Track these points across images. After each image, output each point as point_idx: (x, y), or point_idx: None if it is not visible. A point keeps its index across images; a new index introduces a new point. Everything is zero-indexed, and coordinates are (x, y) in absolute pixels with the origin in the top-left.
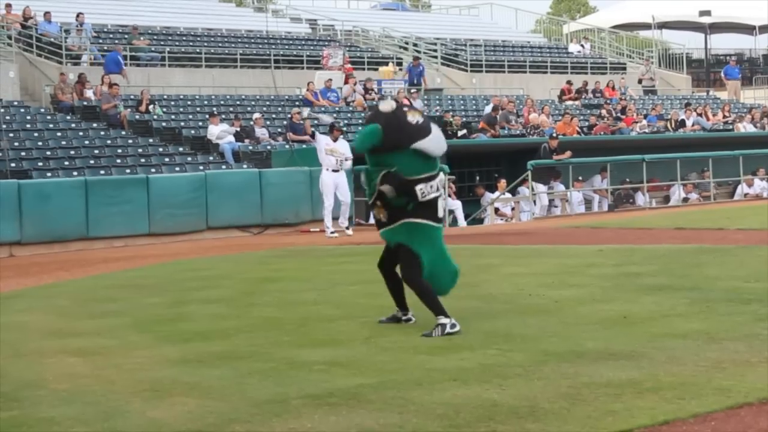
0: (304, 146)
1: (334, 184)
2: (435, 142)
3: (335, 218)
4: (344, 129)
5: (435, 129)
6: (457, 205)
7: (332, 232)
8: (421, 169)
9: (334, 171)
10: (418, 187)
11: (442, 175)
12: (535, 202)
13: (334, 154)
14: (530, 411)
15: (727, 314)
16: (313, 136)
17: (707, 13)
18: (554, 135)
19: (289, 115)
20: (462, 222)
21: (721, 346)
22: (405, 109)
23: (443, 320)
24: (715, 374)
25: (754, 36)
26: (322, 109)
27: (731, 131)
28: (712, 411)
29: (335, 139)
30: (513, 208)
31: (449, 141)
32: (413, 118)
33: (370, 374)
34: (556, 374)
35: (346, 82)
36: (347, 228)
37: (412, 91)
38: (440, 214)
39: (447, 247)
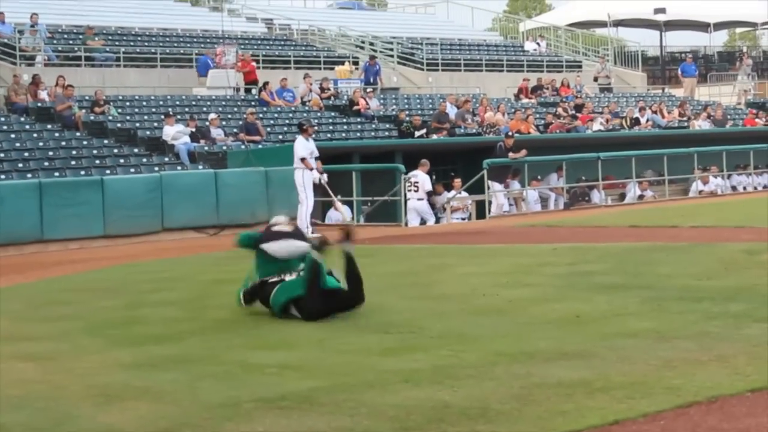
0: (259, 146)
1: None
2: (279, 246)
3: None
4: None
5: (291, 238)
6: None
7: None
8: (268, 270)
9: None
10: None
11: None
12: (491, 201)
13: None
14: (481, 412)
15: (678, 313)
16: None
17: (662, 10)
18: (510, 133)
19: (244, 116)
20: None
21: (672, 344)
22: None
23: None
24: (666, 373)
25: (709, 33)
26: None
27: (686, 128)
28: (661, 410)
29: (307, 139)
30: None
31: (406, 141)
32: (279, 227)
33: (322, 377)
34: (507, 375)
35: (246, 80)
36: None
37: (368, 90)
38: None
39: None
